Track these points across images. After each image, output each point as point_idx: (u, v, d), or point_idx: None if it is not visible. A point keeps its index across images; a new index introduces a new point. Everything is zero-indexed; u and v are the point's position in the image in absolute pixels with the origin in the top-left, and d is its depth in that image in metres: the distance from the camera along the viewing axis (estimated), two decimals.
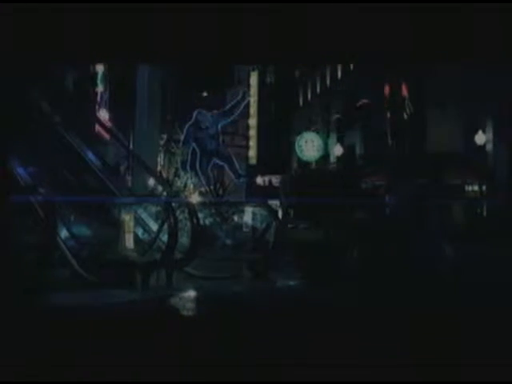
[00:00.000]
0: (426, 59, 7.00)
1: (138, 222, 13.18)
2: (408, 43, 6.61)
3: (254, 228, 18.40)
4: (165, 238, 12.24)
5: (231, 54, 6.44)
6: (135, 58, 7.10)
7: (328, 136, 34.94)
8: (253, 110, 30.00)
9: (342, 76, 34.80)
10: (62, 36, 5.91)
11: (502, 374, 5.49)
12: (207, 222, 17.63)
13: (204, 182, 29.61)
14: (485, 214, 26.21)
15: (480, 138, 26.15)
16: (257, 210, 19.23)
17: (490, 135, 26.11)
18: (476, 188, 27.36)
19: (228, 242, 17.06)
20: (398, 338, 6.76)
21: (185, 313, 9.62)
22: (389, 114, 26.71)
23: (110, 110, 30.08)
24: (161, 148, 30.40)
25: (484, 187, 26.77)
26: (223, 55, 6.41)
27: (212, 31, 6.23)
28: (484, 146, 26.27)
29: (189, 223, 12.91)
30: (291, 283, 12.72)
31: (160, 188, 18.23)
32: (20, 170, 11.98)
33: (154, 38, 6.18)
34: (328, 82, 36.74)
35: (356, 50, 6.67)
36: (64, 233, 11.83)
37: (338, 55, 6.87)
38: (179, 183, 30.24)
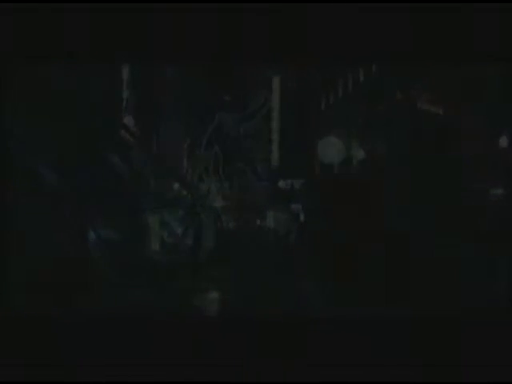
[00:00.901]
0: (426, 59, 7.02)
1: (163, 225, 13.32)
2: (408, 43, 6.63)
3: (276, 232, 18.45)
4: (189, 241, 12.37)
5: (231, 55, 6.52)
6: (135, 58, 7.20)
7: (350, 139, 34.84)
8: (275, 113, 30.03)
9: (364, 79, 34.72)
10: (62, 36, 6.05)
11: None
12: (230, 225, 17.70)
13: (226, 186, 29.75)
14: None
15: (504, 141, 25.96)
16: (279, 213, 19.29)
17: None
18: (501, 191, 27.09)
19: (250, 245, 17.14)
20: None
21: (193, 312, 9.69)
22: (409, 117, 26.53)
23: (135, 115, 30.37)
24: (184, 152, 30.59)
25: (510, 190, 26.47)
26: (223, 55, 6.48)
27: (212, 31, 6.32)
28: (509, 148, 26.06)
29: (212, 227, 13.03)
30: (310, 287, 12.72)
31: (184, 192, 18.32)
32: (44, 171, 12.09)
33: (154, 37, 6.28)
34: (350, 84, 36.69)
35: (356, 50, 6.71)
36: (90, 235, 11.98)
37: (337, 55, 6.92)
38: (202, 187, 30.37)
